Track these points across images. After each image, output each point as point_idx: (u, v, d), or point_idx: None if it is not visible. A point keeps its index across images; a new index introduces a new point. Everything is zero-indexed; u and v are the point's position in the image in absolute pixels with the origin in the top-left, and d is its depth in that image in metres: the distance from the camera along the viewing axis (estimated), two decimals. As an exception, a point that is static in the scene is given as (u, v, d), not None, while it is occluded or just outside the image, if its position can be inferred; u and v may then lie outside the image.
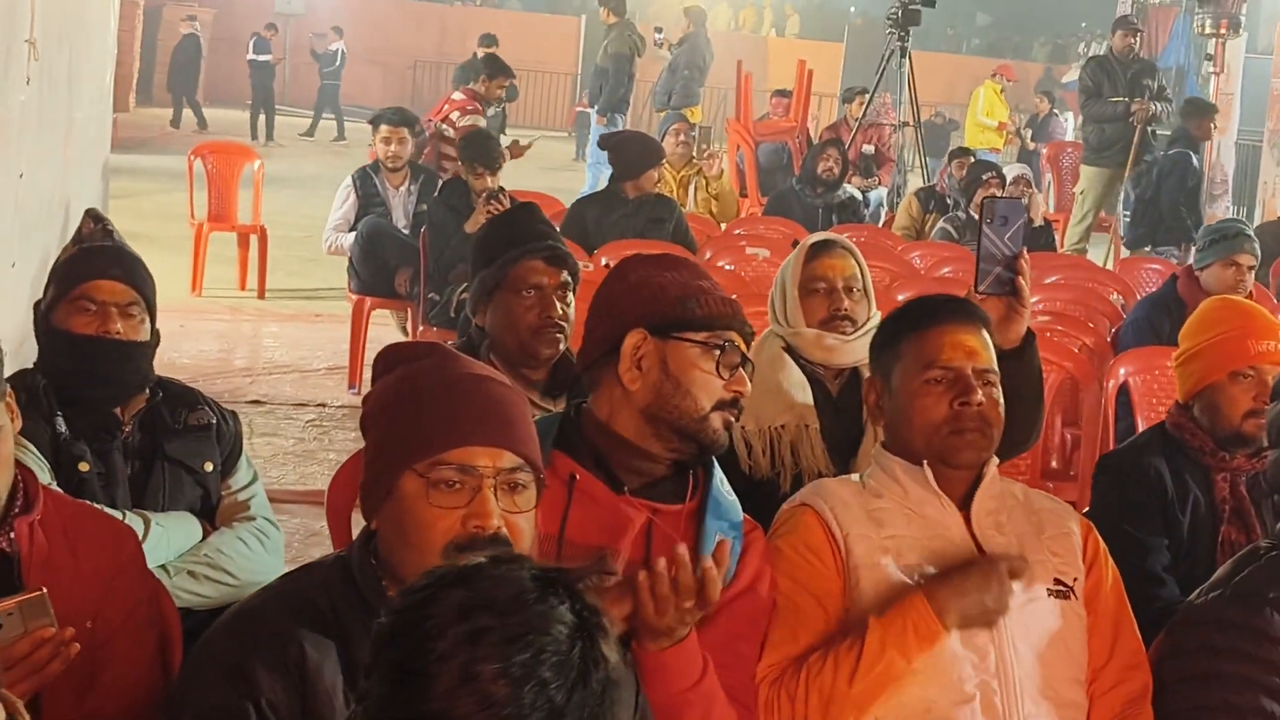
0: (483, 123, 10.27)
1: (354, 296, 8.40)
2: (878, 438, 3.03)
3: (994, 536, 2.78)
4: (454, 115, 10.47)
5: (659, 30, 15.77)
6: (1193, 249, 6.68)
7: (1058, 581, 2.77)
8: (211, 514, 3.25)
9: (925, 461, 2.79)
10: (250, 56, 23.96)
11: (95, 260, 3.27)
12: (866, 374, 3.07)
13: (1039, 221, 9.92)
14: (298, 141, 24.68)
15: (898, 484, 2.81)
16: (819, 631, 2.69)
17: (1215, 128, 11.87)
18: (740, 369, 2.65)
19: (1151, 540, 3.43)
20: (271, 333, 9.99)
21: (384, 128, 8.51)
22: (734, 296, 2.75)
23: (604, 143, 8.77)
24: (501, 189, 7.82)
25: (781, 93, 15.00)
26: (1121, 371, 5.35)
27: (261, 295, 11.03)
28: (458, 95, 10.89)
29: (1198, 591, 2.80)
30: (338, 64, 25.77)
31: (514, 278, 3.62)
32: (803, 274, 3.76)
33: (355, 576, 2.16)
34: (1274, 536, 2.77)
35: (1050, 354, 5.52)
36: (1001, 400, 2.84)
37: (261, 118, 23.80)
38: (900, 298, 6.68)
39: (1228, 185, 14.50)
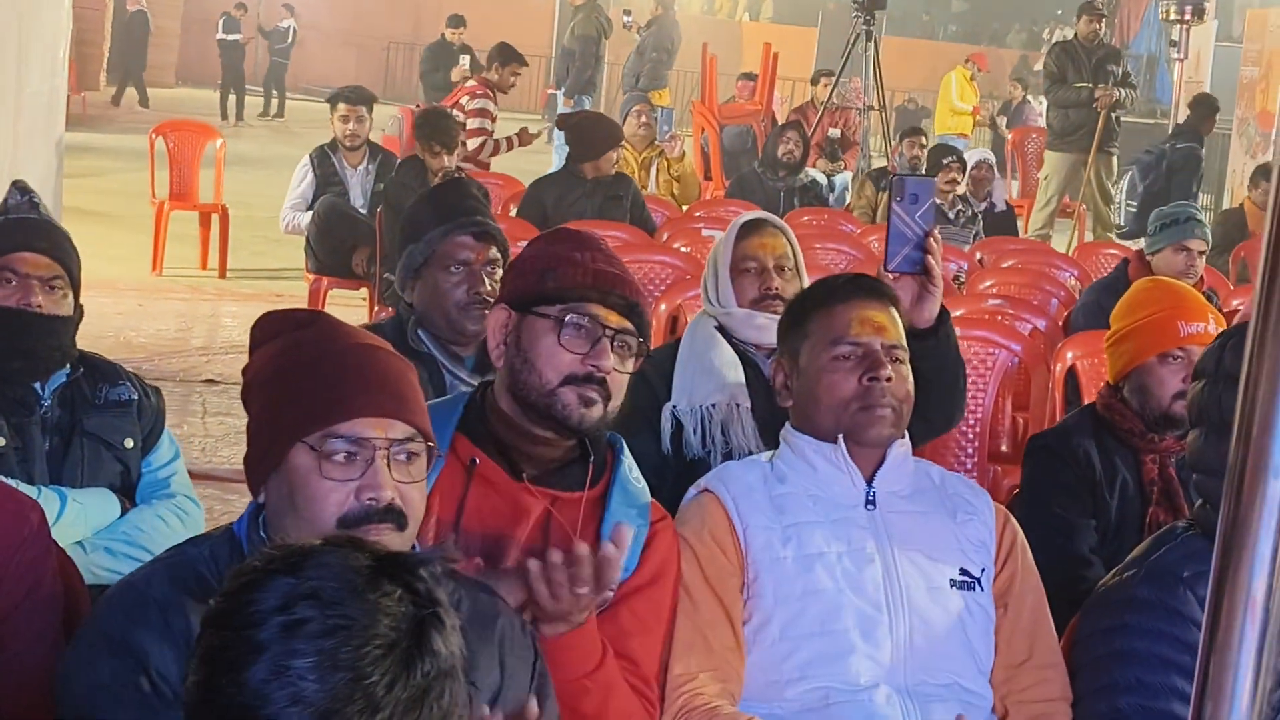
0: (493, 108, 10.39)
1: (311, 276, 8.36)
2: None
3: (895, 519, 2.75)
4: (464, 100, 10.54)
5: (627, 13, 15.73)
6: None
7: (963, 572, 2.73)
8: (132, 491, 3.22)
9: (841, 437, 2.76)
10: (219, 36, 23.79)
11: (18, 232, 3.22)
12: None
13: (1001, 206, 9.93)
14: (269, 121, 24.57)
15: (806, 463, 2.78)
16: (725, 636, 2.65)
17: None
18: (601, 342, 2.55)
19: (1079, 521, 3.42)
20: (230, 312, 9.93)
21: (342, 106, 8.47)
22: (613, 271, 2.61)
23: (562, 123, 8.74)
24: (459, 168, 7.79)
25: (747, 76, 14.98)
26: (1069, 355, 5.33)
27: (223, 275, 10.98)
28: (471, 82, 10.95)
29: (1113, 572, 2.79)
30: (289, 42, 25.50)
31: (442, 254, 3.59)
32: (734, 253, 3.73)
33: (243, 549, 2.13)
34: (1192, 517, 2.76)
35: (999, 336, 5.53)
36: (910, 378, 2.82)
37: (232, 97, 23.64)
38: (854, 280, 6.68)
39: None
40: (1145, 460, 3.46)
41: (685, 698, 2.58)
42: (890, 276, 3.13)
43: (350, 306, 9.15)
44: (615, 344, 2.56)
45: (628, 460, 2.68)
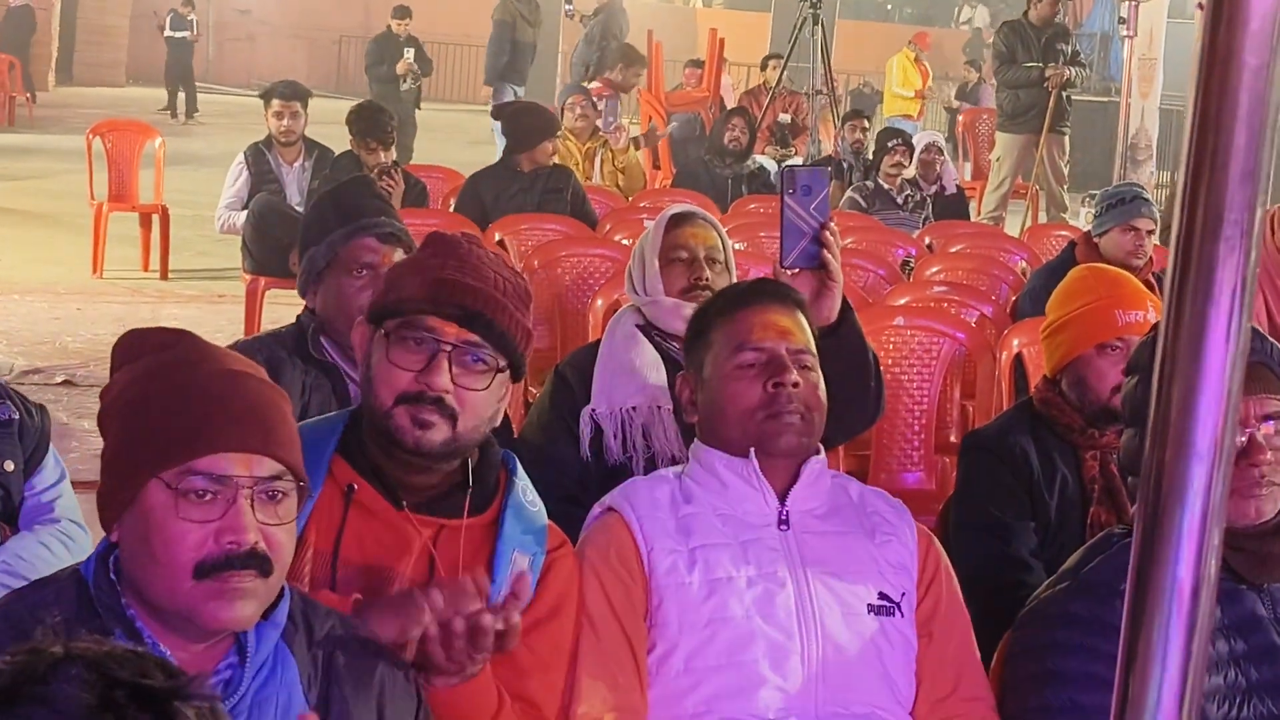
0: (619, 111, 10.61)
1: (248, 276, 8.16)
2: None
3: (809, 540, 2.58)
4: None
5: (569, 1, 15.52)
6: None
7: (882, 596, 2.56)
8: (13, 516, 3.03)
9: (753, 451, 2.59)
10: (167, 33, 23.42)
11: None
12: None
13: (952, 190, 9.79)
14: (218, 119, 24.27)
15: (716, 479, 2.61)
16: (629, 671, 2.47)
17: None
18: (437, 358, 2.34)
19: (1017, 523, 3.26)
20: (171, 314, 9.72)
21: (275, 102, 8.26)
22: (461, 279, 2.38)
23: (496, 114, 8.57)
24: (395, 164, 7.63)
25: (695, 63, 14.80)
26: (1015, 342, 5.19)
27: (164, 276, 10.77)
28: (594, 84, 11.12)
29: (1046, 584, 2.64)
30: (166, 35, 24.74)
31: (345, 257, 3.41)
32: (663, 243, 3.58)
33: (91, 593, 1.95)
34: (1128, 522, 2.60)
35: (942, 324, 5.39)
36: (821, 385, 2.66)
37: (181, 95, 23.32)
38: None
39: (1152, 150, 14.38)
40: (1085, 457, 3.29)
41: None
42: (787, 274, 2.98)
43: (289, 305, 8.94)
44: (458, 359, 2.36)
45: (521, 482, 2.50)
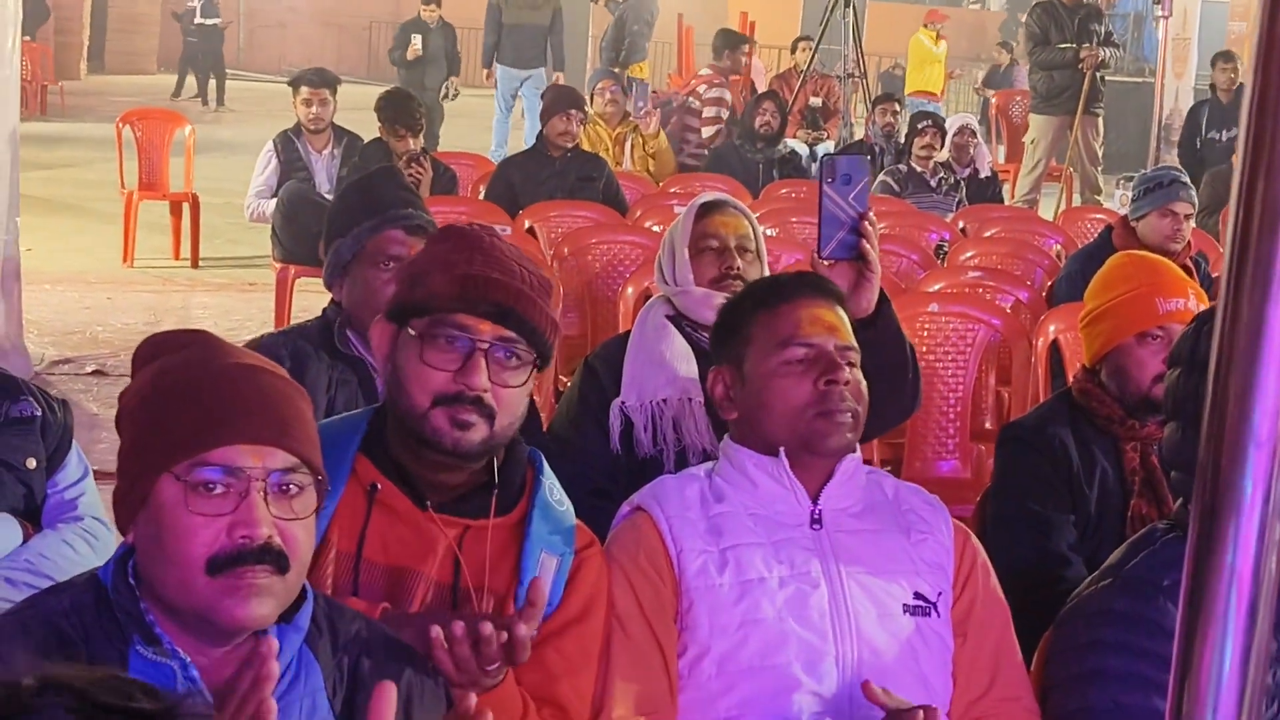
0: (729, 97, 10.91)
1: (278, 265, 8.13)
2: None
3: (843, 539, 2.52)
4: (700, 89, 10.97)
5: (594, -16, 15.45)
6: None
7: (918, 596, 2.48)
8: (36, 514, 2.99)
9: (783, 449, 2.53)
10: (197, 20, 23.43)
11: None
12: None
13: (985, 173, 9.70)
14: (251, 107, 24.28)
15: (747, 479, 2.54)
16: (660, 675, 2.41)
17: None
18: (474, 357, 2.28)
19: (1057, 516, 3.18)
20: (201, 303, 9.74)
21: (304, 89, 8.22)
22: (497, 273, 2.32)
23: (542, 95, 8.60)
24: (424, 150, 7.58)
25: (727, 46, 14.68)
26: (1051, 329, 5.12)
27: (195, 264, 10.78)
28: (705, 70, 11.30)
29: (1088, 580, 2.57)
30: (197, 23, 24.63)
31: (372, 249, 3.36)
32: (693, 232, 3.52)
33: (110, 598, 1.91)
34: (1172, 518, 2.53)
35: (977, 311, 5.32)
36: (864, 381, 2.59)
37: (212, 83, 23.34)
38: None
39: (1187, 131, 14.26)
40: (1126, 449, 3.22)
41: None
42: (824, 264, 2.92)
43: (319, 294, 8.91)
44: (494, 356, 2.30)
45: (549, 480, 2.44)
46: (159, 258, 10.85)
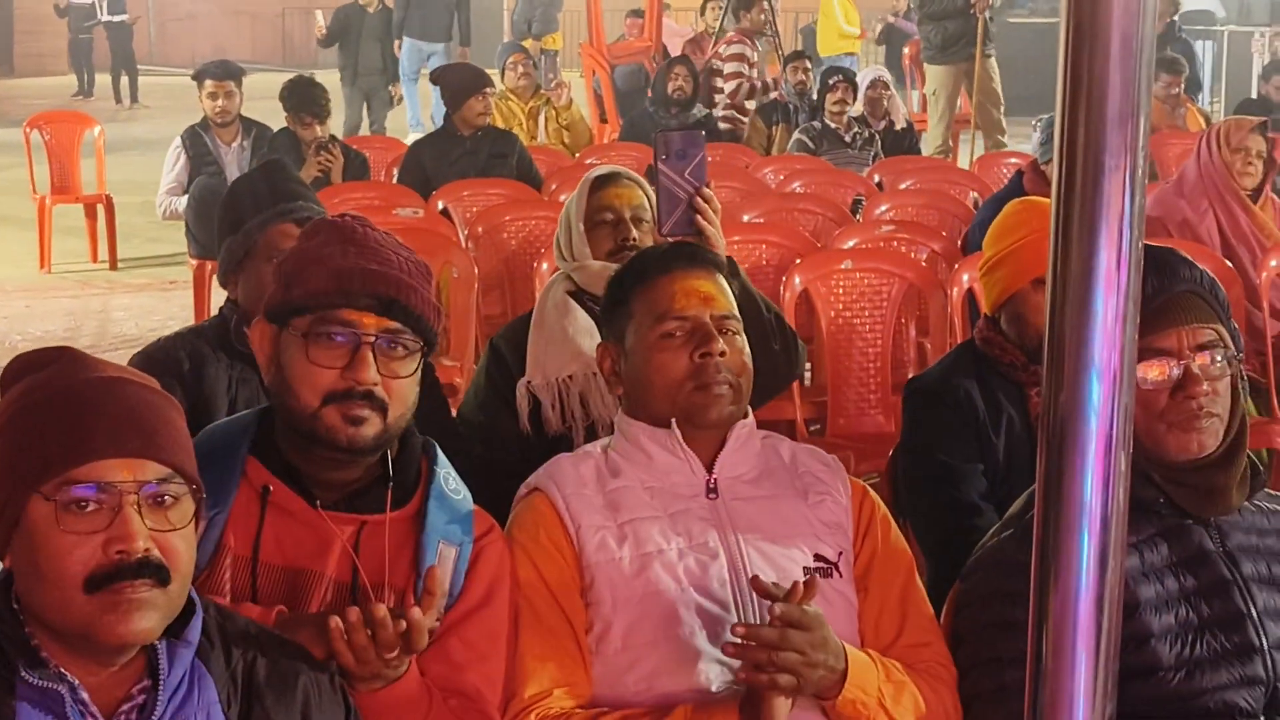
0: (749, 53, 11.13)
1: (194, 261, 8.05)
2: None
3: (740, 506, 2.52)
4: (721, 48, 11.24)
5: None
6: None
7: (819, 558, 2.48)
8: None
9: (674, 421, 2.53)
10: (105, 18, 23.11)
11: None
12: None
13: (900, 124, 9.71)
14: (166, 102, 24.03)
15: (642, 452, 2.54)
16: (572, 649, 2.41)
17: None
18: (360, 350, 2.25)
19: (965, 466, 3.18)
20: (122, 305, 9.64)
21: (209, 82, 8.11)
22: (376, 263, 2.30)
23: (434, 78, 8.46)
24: (333, 138, 7.51)
25: (635, 13, 14.63)
26: (965, 278, 5.13)
27: (114, 266, 10.66)
28: (730, 32, 11.58)
29: (992, 531, 2.58)
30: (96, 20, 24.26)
31: (263, 245, 3.30)
32: (588, 206, 3.52)
33: None
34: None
35: (890, 265, 5.33)
36: (746, 349, 2.59)
37: (124, 79, 23.06)
38: (746, 218, 6.46)
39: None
40: (1031, 395, 3.21)
41: (539, 713, 2.35)
42: (665, 241, 2.96)
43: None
44: (380, 348, 2.28)
45: (443, 470, 2.41)
46: (77, 261, 10.73)
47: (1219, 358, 2.40)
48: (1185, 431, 2.39)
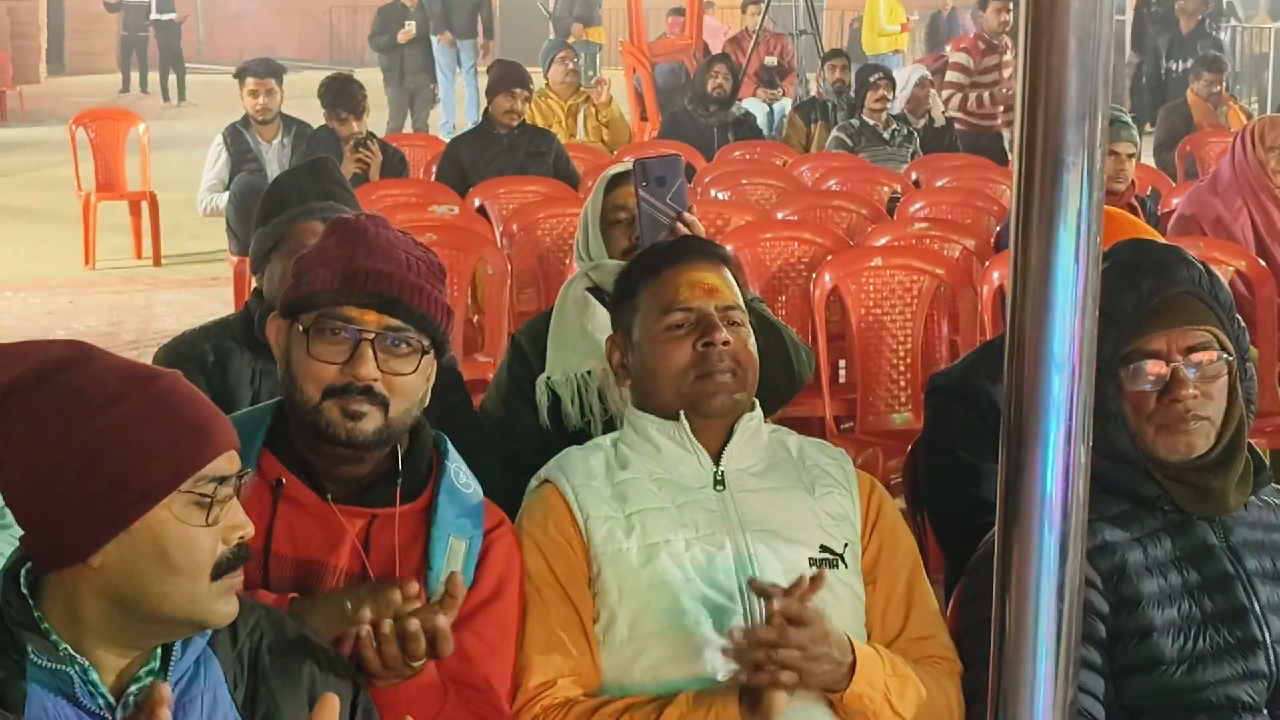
0: (972, 64, 10.94)
1: (234, 258, 8.12)
2: None
3: (747, 498, 2.54)
4: (956, 56, 11.14)
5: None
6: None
7: (824, 549, 2.51)
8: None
9: (682, 413, 2.56)
10: (154, 16, 23.26)
11: None
12: None
13: (940, 122, 9.70)
14: (212, 101, 24.20)
15: (650, 443, 2.58)
16: (579, 640, 2.44)
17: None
18: (360, 347, 2.30)
19: (985, 465, 3.18)
20: (164, 301, 9.73)
21: (249, 81, 8.17)
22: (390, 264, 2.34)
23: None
24: (370, 134, 7.54)
25: (677, 11, 14.65)
26: (995, 275, 5.14)
27: (157, 263, 10.76)
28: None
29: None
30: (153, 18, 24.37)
31: (290, 240, 3.35)
32: (604, 205, 3.55)
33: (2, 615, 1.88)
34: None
35: (921, 262, 5.34)
36: (751, 338, 2.62)
37: (172, 78, 23.22)
38: (780, 215, 6.47)
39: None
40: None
41: (544, 703, 2.39)
42: None
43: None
44: (382, 345, 2.32)
45: (454, 464, 2.45)
46: (121, 258, 10.83)
47: (1212, 360, 2.41)
48: (1173, 434, 2.41)
